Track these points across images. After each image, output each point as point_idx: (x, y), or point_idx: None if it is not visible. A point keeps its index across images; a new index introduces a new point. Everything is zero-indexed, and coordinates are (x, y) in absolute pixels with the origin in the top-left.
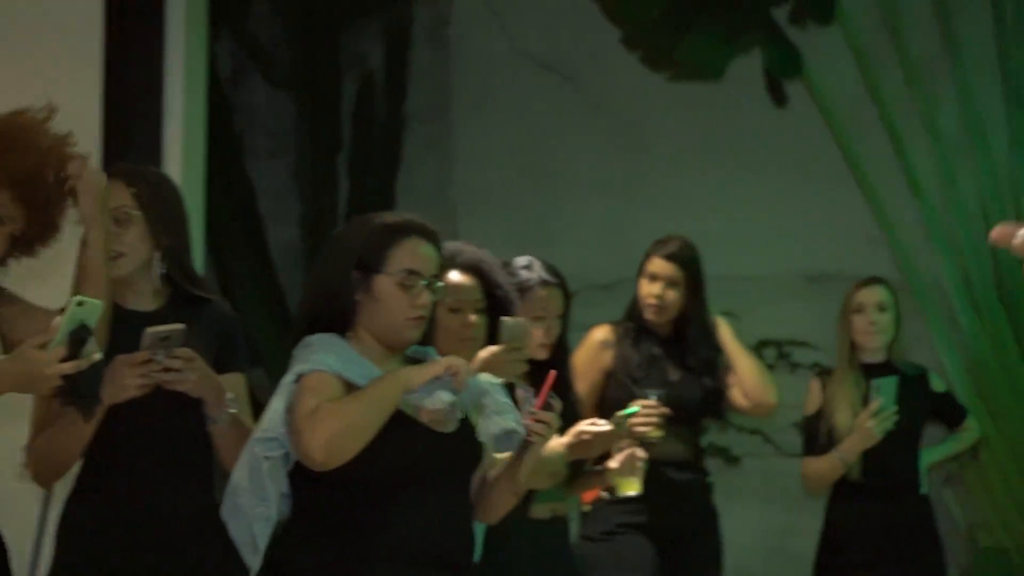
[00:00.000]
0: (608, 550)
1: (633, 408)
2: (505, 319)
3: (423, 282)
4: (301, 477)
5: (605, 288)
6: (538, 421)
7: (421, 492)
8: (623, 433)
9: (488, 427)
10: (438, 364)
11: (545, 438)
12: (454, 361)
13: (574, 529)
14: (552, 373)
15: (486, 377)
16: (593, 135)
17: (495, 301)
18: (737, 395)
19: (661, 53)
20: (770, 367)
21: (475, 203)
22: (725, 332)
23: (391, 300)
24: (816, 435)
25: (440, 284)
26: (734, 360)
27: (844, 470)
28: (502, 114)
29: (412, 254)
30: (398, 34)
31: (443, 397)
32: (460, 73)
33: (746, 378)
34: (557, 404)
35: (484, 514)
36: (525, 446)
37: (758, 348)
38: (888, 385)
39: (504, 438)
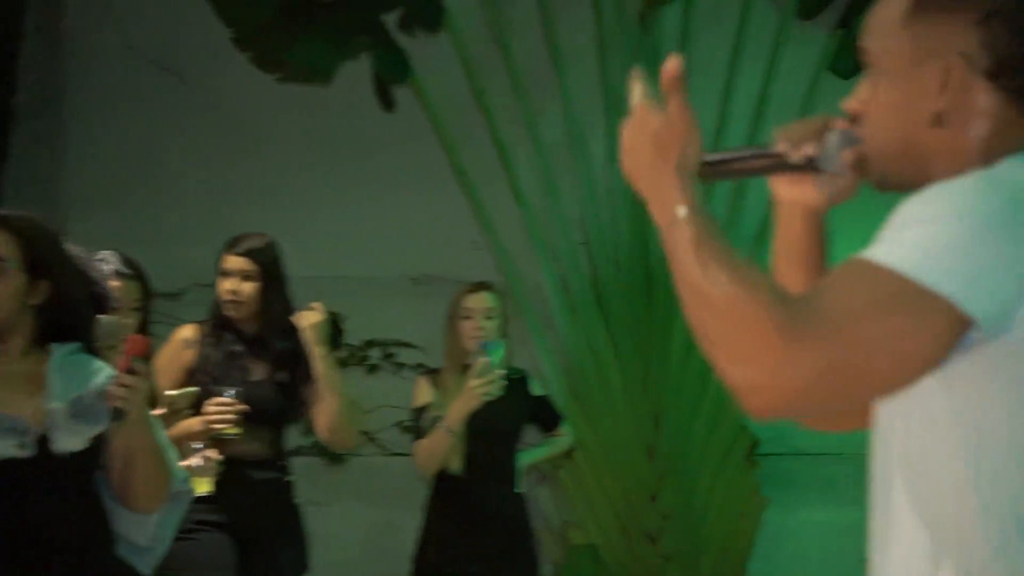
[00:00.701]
0: (186, 549)
1: (188, 389)
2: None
3: None
4: None
5: (212, 287)
6: (122, 385)
7: (12, 495)
8: (182, 414)
9: None
10: None
11: (132, 402)
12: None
13: None
14: (131, 337)
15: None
16: (206, 134)
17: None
18: (320, 425)
19: (272, 55)
20: (375, 367)
21: (86, 200)
22: (321, 363)
23: None
24: (423, 423)
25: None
26: (323, 393)
27: (450, 440)
28: (115, 111)
29: None
30: (7, 25)
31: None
32: (72, 68)
33: (331, 415)
34: (143, 368)
35: (131, 503)
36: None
37: (364, 348)
38: (496, 347)
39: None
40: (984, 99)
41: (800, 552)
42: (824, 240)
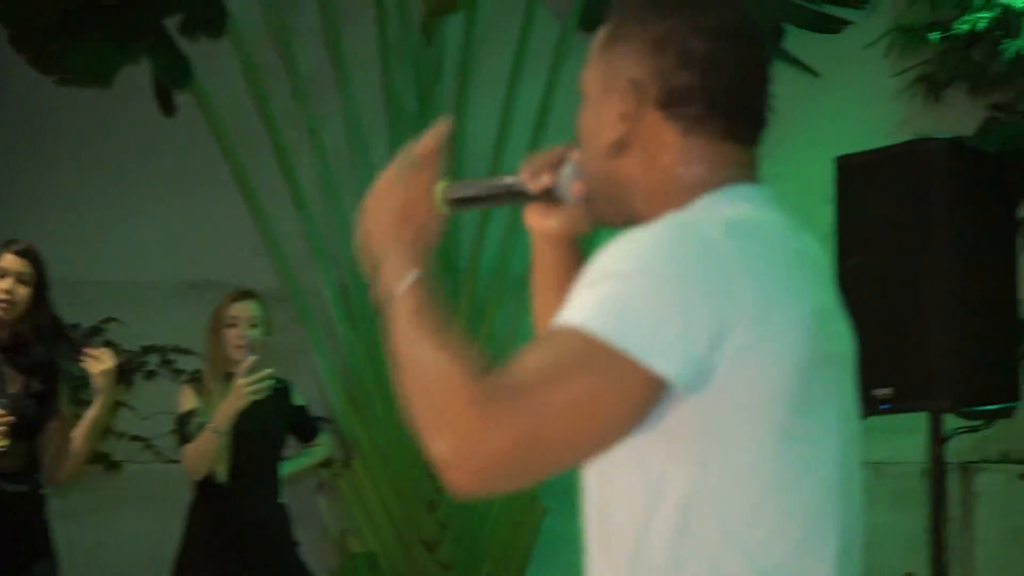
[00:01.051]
0: None
1: None
2: None
3: None
4: None
5: None
6: None
7: None
8: None
9: None
10: None
11: None
12: None
13: None
14: None
15: None
16: None
17: None
18: (55, 460)
19: (51, 56)
20: (153, 372)
21: None
22: (100, 412)
23: None
24: (189, 428)
25: None
26: (79, 438)
27: (217, 442)
28: None
29: None
30: None
31: None
32: None
33: (73, 460)
34: None
35: None
36: None
37: (142, 354)
38: (261, 344)
39: None
40: (660, 129)
41: (577, 560)
42: (578, 267)
